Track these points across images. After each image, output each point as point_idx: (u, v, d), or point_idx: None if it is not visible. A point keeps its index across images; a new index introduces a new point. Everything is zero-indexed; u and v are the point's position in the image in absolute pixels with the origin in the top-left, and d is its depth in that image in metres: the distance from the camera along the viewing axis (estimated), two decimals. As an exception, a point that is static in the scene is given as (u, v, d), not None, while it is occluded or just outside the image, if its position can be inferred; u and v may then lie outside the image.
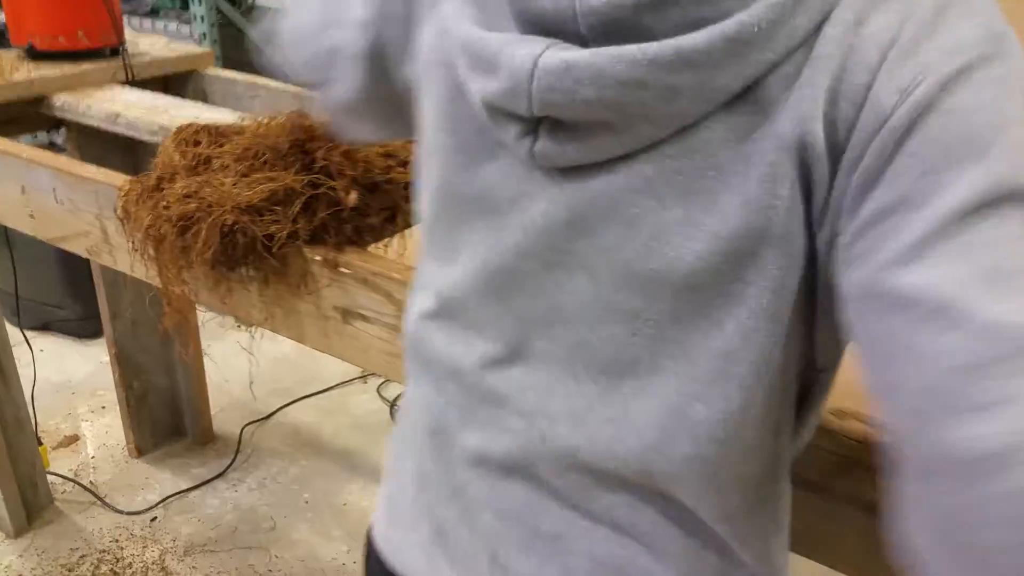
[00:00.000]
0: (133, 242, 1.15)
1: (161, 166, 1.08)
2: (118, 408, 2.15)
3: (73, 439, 2.25)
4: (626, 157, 0.48)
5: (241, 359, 2.31)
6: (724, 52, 0.43)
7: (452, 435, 0.61)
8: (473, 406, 0.59)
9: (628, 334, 0.51)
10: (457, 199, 0.56)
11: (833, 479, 0.80)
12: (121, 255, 1.22)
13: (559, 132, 0.48)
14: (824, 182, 0.45)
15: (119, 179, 1.18)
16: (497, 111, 0.50)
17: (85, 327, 2.64)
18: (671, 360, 0.51)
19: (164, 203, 1.02)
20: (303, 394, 2.44)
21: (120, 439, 2.21)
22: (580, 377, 0.54)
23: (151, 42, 1.85)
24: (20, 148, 1.31)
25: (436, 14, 0.56)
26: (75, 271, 2.50)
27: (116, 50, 1.72)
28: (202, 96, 1.82)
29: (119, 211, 1.15)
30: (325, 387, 2.49)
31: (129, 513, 2.00)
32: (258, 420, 2.34)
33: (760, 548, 0.59)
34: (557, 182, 0.51)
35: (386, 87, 0.66)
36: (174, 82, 1.82)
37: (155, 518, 2.00)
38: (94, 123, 1.52)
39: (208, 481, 2.11)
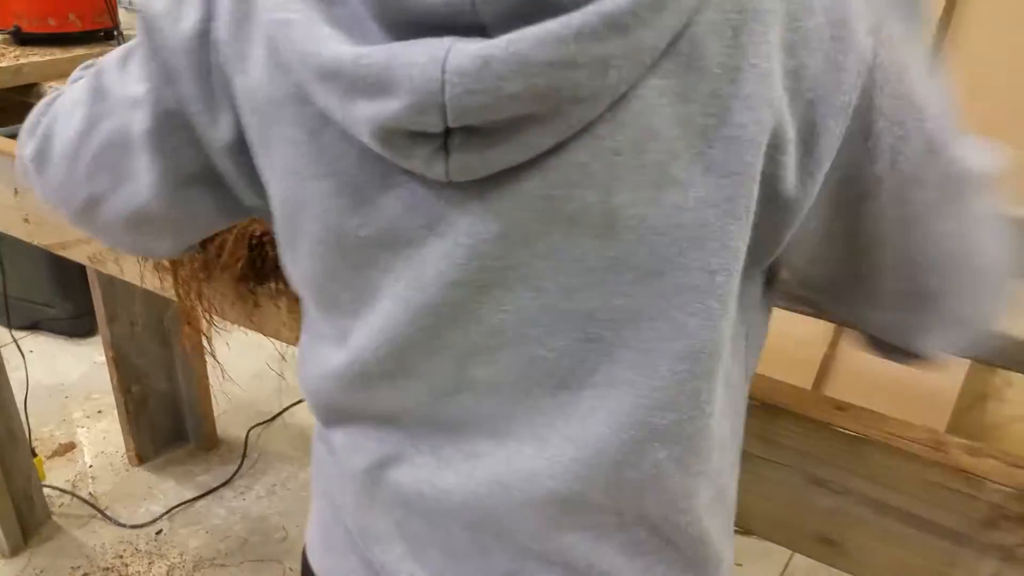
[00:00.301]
0: (143, 251, 1.04)
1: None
2: (115, 412, 2.03)
3: (69, 447, 2.13)
4: (556, 149, 0.43)
5: (244, 357, 2.19)
6: (649, 7, 0.39)
7: (391, 471, 0.56)
8: (423, 438, 0.55)
9: (583, 340, 0.48)
10: (354, 245, 0.50)
11: (966, 522, 0.70)
12: (129, 265, 1.11)
13: (476, 139, 0.43)
14: (794, 139, 0.44)
15: (125, 180, 1.06)
16: (395, 134, 0.43)
17: (76, 326, 2.52)
18: (630, 370, 0.48)
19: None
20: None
21: (119, 446, 2.09)
22: (536, 394, 0.50)
23: (146, 25, 1.72)
24: (9, 144, 1.19)
25: (255, 53, 0.48)
26: (65, 267, 2.37)
27: (110, 33, 1.59)
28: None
29: (127, 216, 1.04)
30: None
31: (132, 526, 1.89)
32: (263, 422, 2.23)
33: (726, 547, 0.58)
34: (480, 194, 0.45)
35: (197, 162, 0.56)
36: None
37: (160, 531, 1.89)
38: (90, 115, 1.40)
39: (214, 489, 2.00)
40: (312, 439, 0.67)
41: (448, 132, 0.42)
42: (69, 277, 2.42)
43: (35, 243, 1.23)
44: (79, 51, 1.52)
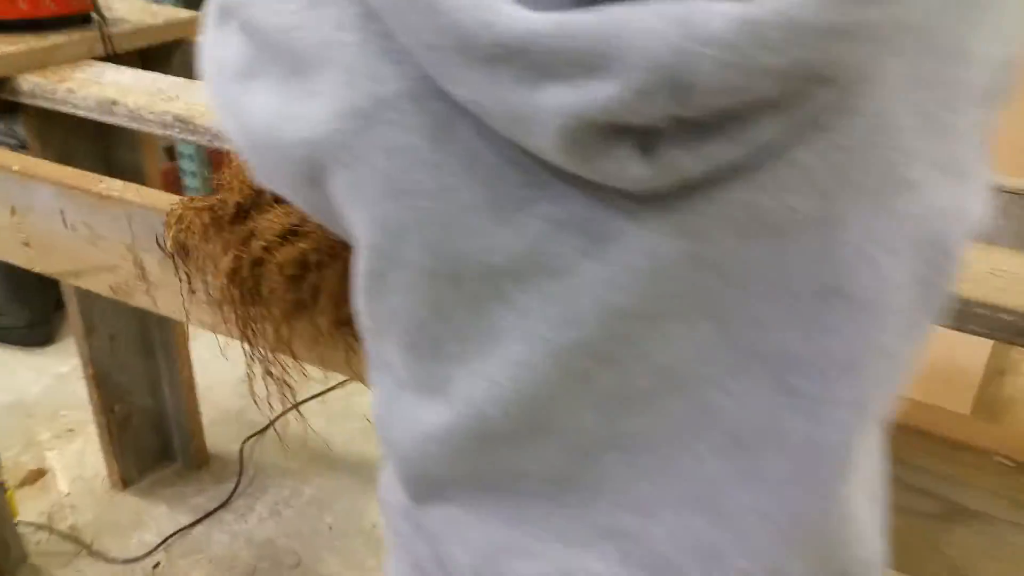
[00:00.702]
0: (191, 282, 0.88)
1: (238, 187, 0.80)
2: (87, 430, 1.85)
3: (39, 474, 1.93)
4: (773, 142, 0.36)
5: (224, 360, 2.02)
6: None
7: (507, 566, 0.47)
8: (547, 515, 0.46)
9: (775, 391, 0.40)
10: (476, 275, 0.41)
11: None
12: (166, 297, 0.94)
13: (691, 131, 0.34)
14: None
15: (164, 200, 0.89)
16: (594, 129, 0.34)
17: (32, 335, 2.29)
18: (836, 429, 0.40)
19: (262, 243, 0.75)
20: (301, 397, 2.16)
21: (97, 469, 1.90)
22: (702, 453, 0.42)
23: (127, 6, 1.51)
24: (9, 157, 1.01)
25: (342, 39, 0.39)
26: (14, 269, 2.14)
27: (87, 17, 1.39)
28: (190, 72, 1.51)
29: (170, 244, 0.88)
30: (325, 387, 2.21)
31: (125, 561, 1.71)
32: (256, 434, 2.06)
33: None
34: (664, 205, 0.37)
35: None
36: (153, 54, 1.50)
37: (157, 564, 1.72)
38: (82, 112, 1.21)
39: (212, 512, 1.83)
40: (383, 502, 0.55)
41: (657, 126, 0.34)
42: (23, 280, 2.19)
43: (37, 271, 1.06)
44: (57, 39, 1.32)
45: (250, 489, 1.91)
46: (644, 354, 0.41)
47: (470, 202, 0.39)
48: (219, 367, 2.07)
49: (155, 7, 1.54)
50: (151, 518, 1.82)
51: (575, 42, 0.32)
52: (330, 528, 1.82)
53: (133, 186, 0.93)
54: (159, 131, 1.16)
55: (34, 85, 1.25)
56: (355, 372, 0.82)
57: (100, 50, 1.36)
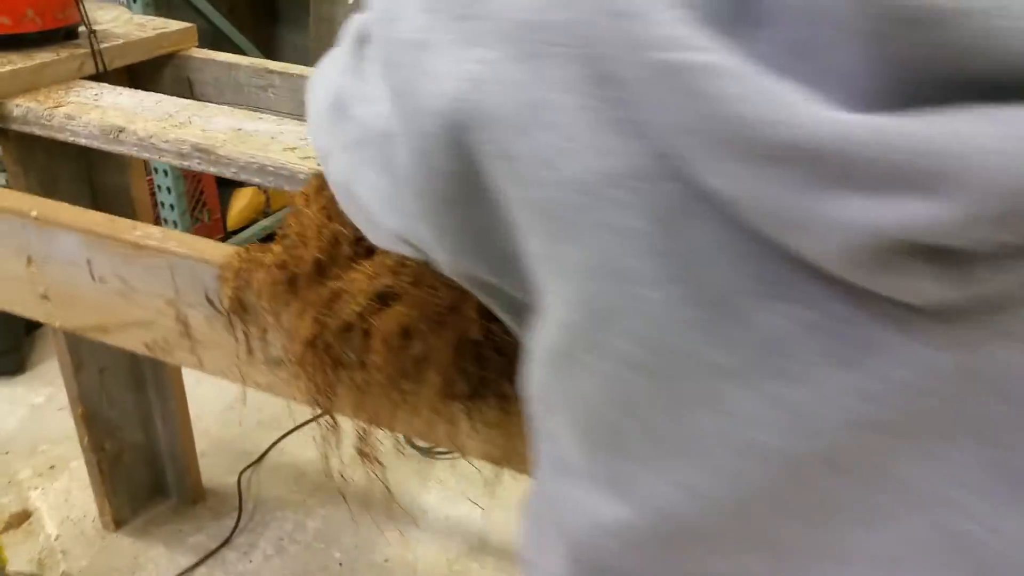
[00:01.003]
0: (249, 342, 0.79)
1: (315, 241, 0.71)
2: (71, 467, 1.74)
3: (24, 516, 1.80)
4: None
5: (210, 387, 1.91)
6: None
7: None
8: None
9: None
10: (689, 374, 0.37)
11: None
12: (215, 356, 0.85)
13: (1009, 252, 0.30)
14: None
15: (213, 250, 0.80)
16: (891, 247, 0.30)
17: (2, 364, 2.15)
18: None
19: (354, 307, 0.67)
20: (295, 424, 2.06)
21: (87, 509, 1.79)
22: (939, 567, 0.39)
23: (113, 17, 1.39)
24: (23, 201, 0.89)
25: (558, 102, 0.35)
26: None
27: (73, 32, 1.27)
28: (186, 87, 1.40)
29: (226, 302, 0.78)
30: (318, 413, 2.11)
31: (127, 611, 1.61)
32: (251, 464, 1.95)
33: None
34: (943, 318, 0.33)
35: None
36: (142, 71, 1.39)
37: (161, 612, 1.62)
38: (83, 141, 1.10)
39: (214, 552, 1.73)
40: (531, 565, 0.51)
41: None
42: (-12, 309, 2.04)
43: (57, 325, 0.95)
44: (44, 57, 1.20)
45: (251, 524, 1.81)
46: (888, 469, 0.37)
47: (698, 295, 0.35)
48: (204, 395, 1.97)
49: (142, 18, 1.42)
50: (149, 560, 1.72)
51: (896, 154, 0.28)
52: (340, 564, 1.73)
53: (174, 233, 0.83)
54: (175, 161, 1.06)
55: (26, 111, 1.14)
56: (458, 445, 0.74)
57: (91, 68, 1.25)
